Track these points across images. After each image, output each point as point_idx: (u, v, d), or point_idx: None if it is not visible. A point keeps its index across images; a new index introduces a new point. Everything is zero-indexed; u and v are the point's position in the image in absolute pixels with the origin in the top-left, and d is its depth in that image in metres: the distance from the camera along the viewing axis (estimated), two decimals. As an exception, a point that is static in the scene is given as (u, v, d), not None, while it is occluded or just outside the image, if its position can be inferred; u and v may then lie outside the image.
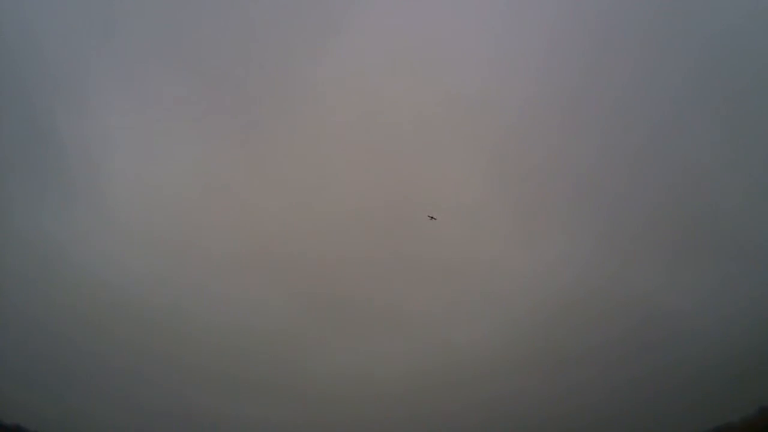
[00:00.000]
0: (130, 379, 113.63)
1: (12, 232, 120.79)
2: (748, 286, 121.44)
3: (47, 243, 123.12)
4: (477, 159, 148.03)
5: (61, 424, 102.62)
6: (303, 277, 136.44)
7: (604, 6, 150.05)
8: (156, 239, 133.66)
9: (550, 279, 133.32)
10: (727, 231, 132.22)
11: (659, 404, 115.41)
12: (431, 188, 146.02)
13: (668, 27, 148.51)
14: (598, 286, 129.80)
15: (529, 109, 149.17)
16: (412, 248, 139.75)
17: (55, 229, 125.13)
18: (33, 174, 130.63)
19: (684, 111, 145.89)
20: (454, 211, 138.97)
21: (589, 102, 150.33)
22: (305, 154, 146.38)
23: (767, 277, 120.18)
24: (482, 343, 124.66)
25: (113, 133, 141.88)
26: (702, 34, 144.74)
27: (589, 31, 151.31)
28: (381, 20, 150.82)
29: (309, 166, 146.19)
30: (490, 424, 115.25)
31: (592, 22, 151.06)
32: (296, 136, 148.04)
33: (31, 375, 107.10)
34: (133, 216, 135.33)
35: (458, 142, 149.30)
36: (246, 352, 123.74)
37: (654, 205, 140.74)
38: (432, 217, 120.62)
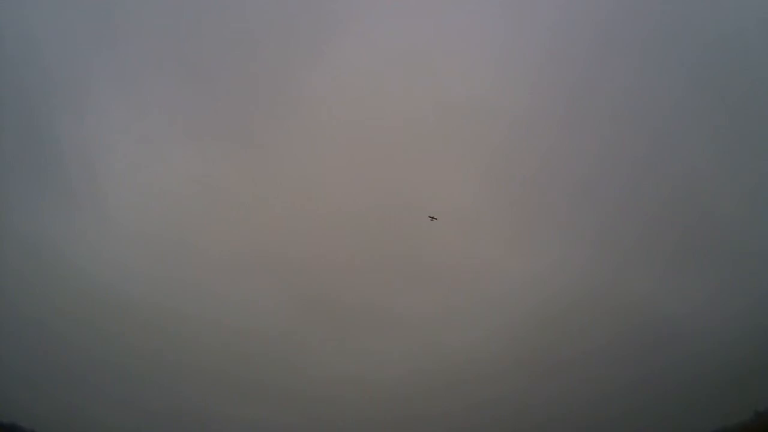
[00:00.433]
0: (127, 378, 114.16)
1: (11, 232, 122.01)
2: (744, 292, 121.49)
3: (46, 244, 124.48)
4: (472, 164, 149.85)
5: (58, 423, 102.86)
6: (299, 280, 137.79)
7: (601, 16, 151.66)
8: (153, 241, 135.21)
9: (546, 283, 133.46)
10: (723, 237, 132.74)
11: (656, 408, 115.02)
12: (427, 192, 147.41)
13: (665, 38, 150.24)
14: (594, 291, 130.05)
15: (525, 116, 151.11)
16: (408, 251, 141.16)
17: (53, 231, 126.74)
18: (32, 176, 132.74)
19: (681, 119, 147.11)
20: (449, 215, 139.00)
21: (586, 110, 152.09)
22: (301, 159, 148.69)
23: (763, 283, 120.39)
24: (477, 346, 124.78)
25: (112, 137, 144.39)
26: (699, 45, 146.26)
27: (586, 41, 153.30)
28: (376, 28, 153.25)
29: (305, 171, 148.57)
30: (485, 426, 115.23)
31: (589, 31, 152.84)
32: (292, 141, 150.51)
33: (28, 374, 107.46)
34: (130, 218, 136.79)
35: (453, 147, 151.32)
36: (242, 353, 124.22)
37: (651, 211, 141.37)
38: (433, 218, 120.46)
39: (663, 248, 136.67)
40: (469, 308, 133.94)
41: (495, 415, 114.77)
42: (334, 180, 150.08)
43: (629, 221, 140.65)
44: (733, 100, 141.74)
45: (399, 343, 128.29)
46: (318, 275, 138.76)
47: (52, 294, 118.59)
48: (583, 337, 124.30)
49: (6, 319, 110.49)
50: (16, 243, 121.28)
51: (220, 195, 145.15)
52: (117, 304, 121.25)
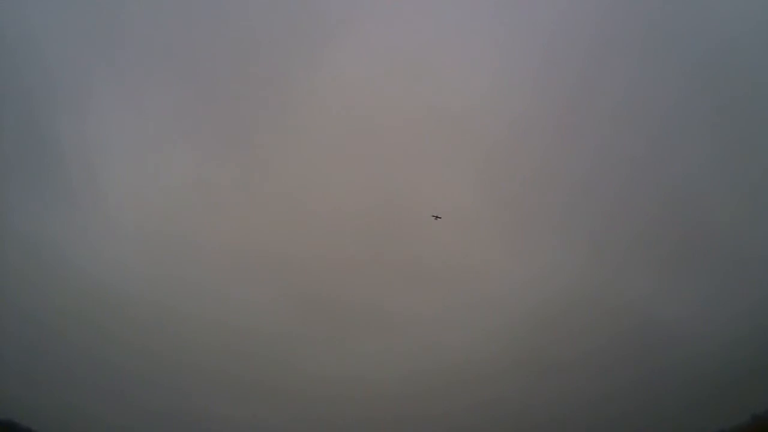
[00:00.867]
0: (124, 376, 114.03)
1: (10, 231, 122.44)
2: (740, 295, 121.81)
3: (45, 243, 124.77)
4: (470, 165, 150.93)
5: (54, 421, 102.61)
6: (298, 280, 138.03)
7: (599, 19, 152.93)
8: (152, 241, 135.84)
9: (543, 285, 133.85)
10: (720, 241, 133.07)
11: (652, 411, 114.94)
12: (425, 193, 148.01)
13: (663, 41, 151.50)
14: (592, 293, 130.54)
15: (521, 121, 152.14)
16: (406, 252, 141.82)
17: (53, 230, 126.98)
18: (32, 175, 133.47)
19: (679, 123, 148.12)
20: (446, 216, 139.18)
21: (583, 113, 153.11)
22: (299, 160, 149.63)
23: (759, 286, 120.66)
24: (475, 347, 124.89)
25: (112, 138, 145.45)
26: (698, 48, 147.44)
27: (583, 44, 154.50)
28: (374, 32, 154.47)
29: (303, 172, 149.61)
30: (483, 427, 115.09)
31: (587, 35, 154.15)
32: (290, 142, 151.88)
33: (26, 372, 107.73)
34: (129, 218, 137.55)
35: (451, 148, 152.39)
36: (240, 352, 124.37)
37: (648, 214, 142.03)
38: (436, 216, 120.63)
39: (660, 251, 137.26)
40: (466, 309, 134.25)
41: (493, 415, 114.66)
42: (332, 181, 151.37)
43: (626, 224, 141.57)
44: (731, 104, 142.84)
45: (397, 342, 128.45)
46: (316, 275, 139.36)
47: (51, 292, 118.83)
48: (580, 338, 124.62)
49: (5, 317, 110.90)
50: (15, 242, 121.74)
51: (219, 195, 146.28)
52: (116, 302, 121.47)
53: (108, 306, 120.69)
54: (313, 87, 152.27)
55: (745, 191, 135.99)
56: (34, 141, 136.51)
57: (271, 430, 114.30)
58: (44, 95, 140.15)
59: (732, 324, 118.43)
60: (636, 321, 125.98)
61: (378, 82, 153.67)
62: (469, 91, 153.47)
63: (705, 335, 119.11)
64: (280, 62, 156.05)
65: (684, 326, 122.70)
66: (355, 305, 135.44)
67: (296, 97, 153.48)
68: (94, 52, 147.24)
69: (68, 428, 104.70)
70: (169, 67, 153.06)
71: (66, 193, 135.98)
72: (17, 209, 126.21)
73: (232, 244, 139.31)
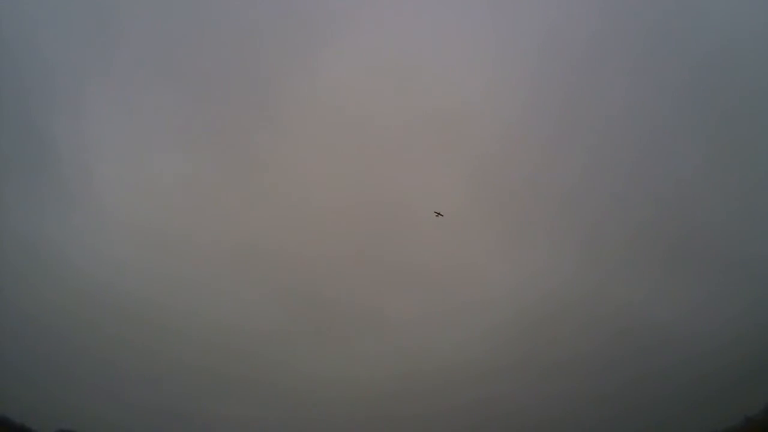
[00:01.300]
0: (117, 373, 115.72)
1: (7, 230, 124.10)
2: (732, 298, 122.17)
3: (42, 241, 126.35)
4: (462, 168, 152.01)
5: (48, 417, 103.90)
6: (291, 280, 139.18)
7: (593, 29, 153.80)
8: (146, 241, 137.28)
9: (535, 287, 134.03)
10: (711, 245, 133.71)
11: (644, 413, 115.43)
12: (416, 195, 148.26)
13: (656, 50, 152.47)
14: (582, 296, 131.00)
15: (516, 124, 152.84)
16: (398, 254, 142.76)
17: (49, 228, 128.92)
18: (29, 176, 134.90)
19: (671, 130, 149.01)
20: (437, 221, 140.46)
21: (577, 118, 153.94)
22: (290, 162, 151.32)
23: (750, 290, 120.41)
24: (465, 349, 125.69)
25: (107, 138, 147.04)
26: (690, 58, 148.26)
27: (578, 51, 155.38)
28: (367, 35, 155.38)
29: (294, 174, 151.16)
30: (473, 428, 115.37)
31: (581, 41, 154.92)
32: (281, 144, 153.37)
33: (21, 368, 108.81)
34: (124, 217, 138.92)
35: (442, 151, 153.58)
36: (233, 350, 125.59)
37: (641, 218, 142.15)
38: (438, 213, 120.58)
39: (653, 254, 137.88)
40: (457, 310, 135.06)
41: (486, 415, 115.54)
42: (325, 182, 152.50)
43: (620, 227, 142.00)
44: (723, 111, 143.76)
45: (387, 343, 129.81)
46: (310, 275, 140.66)
47: (47, 289, 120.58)
48: (570, 341, 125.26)
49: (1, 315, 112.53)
50: (11, 239, 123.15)
51: (213, 195, 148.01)
52: (110, 300, 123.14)
53: (102, 303, 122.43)
54: (306, 88, 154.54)
55: (737, 195, 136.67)
56: (31, 141, 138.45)
57: (265, 428, 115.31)
58: (41, 96, 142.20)
59: (725, 326, 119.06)
60: (629, 323, 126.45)
61: (371, 84, 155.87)
62: (464, 94, 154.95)
63: (697, 337, 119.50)
64: (272, 63, 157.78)
65: (677, 328, 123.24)
66: (349, 305, 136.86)
67: (288, 97, 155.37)
68: (90, 54, 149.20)
69: (60, 424, 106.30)
70: (164, 68, 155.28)
71: (62, 192, 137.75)
72: (14, 207, 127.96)
73: (225, 244, 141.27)
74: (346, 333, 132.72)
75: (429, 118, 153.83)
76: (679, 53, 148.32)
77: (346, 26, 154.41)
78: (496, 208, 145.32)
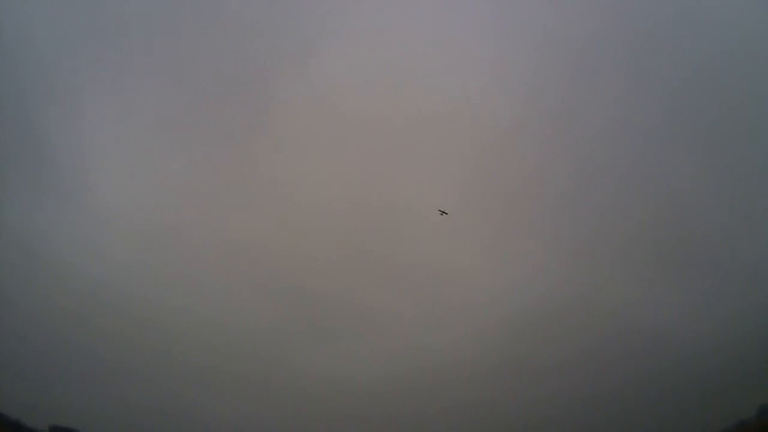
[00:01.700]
0: (112, 369, 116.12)
1: (2, 226, 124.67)
2: (725, 303, 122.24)
3: (37, 238, 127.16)
4: (456, 170, 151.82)
5: (40, 412, 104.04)
6: (283, 279, 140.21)
7: (589, 36, 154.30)
8: (140, 238, 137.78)
9: (527, 290, 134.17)
10: (703, 250, 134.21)
11: (634, 418, 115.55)
12: (409, 196, 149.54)
13: (651, 57, 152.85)
14: (575, 299, 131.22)
15: (511, 126, 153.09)
16: (391, 253, 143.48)
17: (45, 225, 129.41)
18: (25, 173, 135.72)
19: (665, 135, 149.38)
20: (430, 219, 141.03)
21: (573, 122, 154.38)
22: (284, 162, 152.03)
23: (742, 295, 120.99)
24: (456, 350, 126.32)
25: (102, 137, 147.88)
26: (684, 64, 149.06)
27: (574, 59, 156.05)
28: (362, 36, 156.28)
29: (287, 174, 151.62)
30: (462, 428, 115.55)
31: (577, 50, 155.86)
32: (275, 144, 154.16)
33: (17, 365, 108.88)
34: (119, 215, 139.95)
35: (438, 152, 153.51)
36: (226, 347, 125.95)
37: (634, 224, 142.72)
38: (443, 212, 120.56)
39: (644, 260, 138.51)
40: (449, 311, 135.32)
41: (475, 416, 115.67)
42: (318, 183, 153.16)
43: (613, 231, 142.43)
44: (720, 117, 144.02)
45: (380, 342, 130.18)
46: (302, 274, 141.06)
47: (42, 286, 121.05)
48: (561, 344, 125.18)
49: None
50: (7, 236, 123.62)
51: (206, 194, 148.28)
52: (105, 297, 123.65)
53: (97, 300, 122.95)
54: (300, 89, 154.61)
55: (730, 202, 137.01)
56: (27, 138, 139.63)
57: (256, 425, 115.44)
58: (38, 94, 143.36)
59: (717, 330, 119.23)
60: (621, 327, 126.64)
61: (366, 84, 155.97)
62: (459, 96, 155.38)
63: (689, 341, 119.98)
64: (268, 63, 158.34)
65: (668, 332, 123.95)
66: (342, 303, 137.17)
67: (283, 98, 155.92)
68: (87, 53, 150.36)
69: (54, 420, 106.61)
70: (160, 68, 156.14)
71: (58, 189, 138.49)
72: (9, 204, 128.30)
73: (219, 242, 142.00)
74: (339, 331, 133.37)
75: (424, 119, 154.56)
76: (676, 58, 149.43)
77: (343, 26, 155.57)
78: (489, 210, 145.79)
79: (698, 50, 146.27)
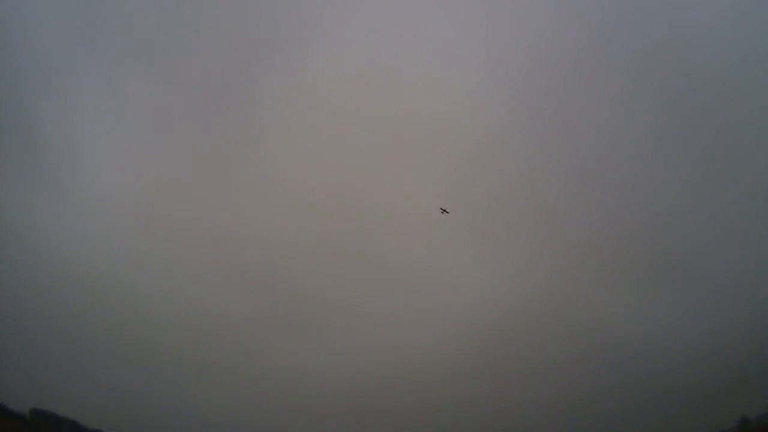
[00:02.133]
0: (97, 356, 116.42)
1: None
2: (706, 316, 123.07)
3: (26, 225, 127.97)
4: (441, 172, 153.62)
5: (26, 399, 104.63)
6: (268, 272, 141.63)
7: (582, 45, 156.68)
8: (129, 229, 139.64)
9: (507, 295, 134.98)
10: (687, 264, 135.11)
11: (612, 427, 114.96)
12: (394, 196, 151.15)
13: (644, 67, 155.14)
14: (555, 308, 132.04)
15: (499, 132, 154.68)
16: (373, 251, 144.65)
17: (37, 214, 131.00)
18: (18, 162, 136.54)
19: (655, 148, 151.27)
20: (413, 222, 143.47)
21: (561, 131, 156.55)
22: (270, 160, 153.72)
23: (724, 308, 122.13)
24: (433, 350, 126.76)
25: (93, 128, 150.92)
26: (677, 76, 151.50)
27: (565, 67, 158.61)
28: (349, 37, 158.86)
29: (274, 172, 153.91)
30: (439, 429, 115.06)
31: (569, 58, 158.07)
32: (261, 142, 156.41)
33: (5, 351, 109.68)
34: (109, 207, 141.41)
35: (423, 155, 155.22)
36: (209, 337, 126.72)
37: (621, 234, 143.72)
38: (444, 210, 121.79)
39: (627, 271, 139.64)
40: (429, 311, 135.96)
41: (448, 418, 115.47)
42: (304, 180, 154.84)
43: (596, 243, 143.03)
44: (708, 133, 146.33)
45: (359, 339, 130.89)
46: (286, 268, 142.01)
47: (29, 273, 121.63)
48: (541, 351, 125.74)
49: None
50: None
51: (195, 188, 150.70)
52: (91, 284, 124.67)
53: (82, 286, 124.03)
54: (288, 88, 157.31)
55: (714, 219, 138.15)
56: (21, 127, 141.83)
57: (231, 415, 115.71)
58: (32, 83, 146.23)
59: (697, 343, 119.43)
60: (602, 336, 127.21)
61: (354, 83, 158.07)
62: (448, 98, 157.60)
63: (671, 353, 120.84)
64: (257, 62, 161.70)
65: (650, 343, 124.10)
66: (324, 299, 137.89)
67: (271, 97, 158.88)
68: (82, 45, 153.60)
69: (36, 404, 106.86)
70: (153, 64, 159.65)
71: (50, 179, 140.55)
72: (2, 193, 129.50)
73: (207, 236, 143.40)
74: (319, 325, 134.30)
75: (412, 119, 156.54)
76: (669, 73, 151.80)
77: (333, 26, 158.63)
78: (475, 213, 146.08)
79: (691, 67, 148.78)
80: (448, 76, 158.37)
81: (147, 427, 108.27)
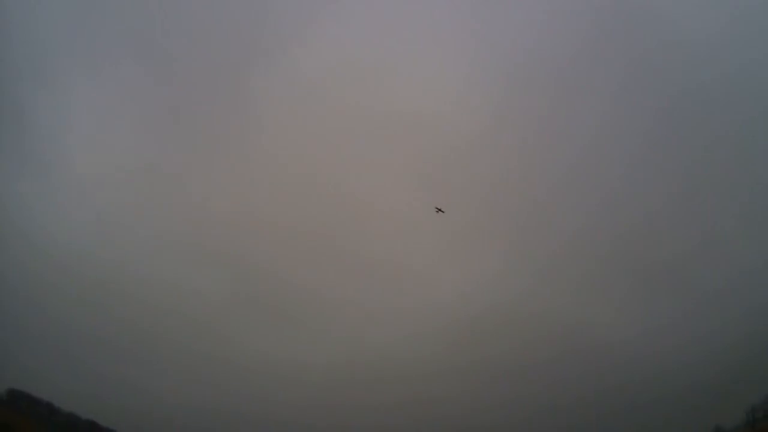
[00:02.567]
0: (75, 338, 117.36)
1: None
2: (685, 326, 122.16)
3: (10, 201, 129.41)
4: (421, 171, 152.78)
5: (3, 379, 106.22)
6: (241, 262, 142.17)
7: (575, 46, 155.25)
8: (101, 212, 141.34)
9: (486, 297, 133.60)
10: (668, 274, 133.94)
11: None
12: (369, 192, 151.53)
13: (632, 84, 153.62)
14: (533, 313, 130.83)
15: (483, 136, 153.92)
16: (354, 247, 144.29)
17: (18, 190, 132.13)
18: (5, 142, 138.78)
19: (640, 161, 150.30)
20: (397, 219, 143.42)
21: (545, 138, 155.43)
22: (250, 152, 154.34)
23: (704, 318, 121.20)
24: (400, 347, 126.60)
25: (75, 111, 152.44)
26: (665, 94, 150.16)
27: (556, 73, 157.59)
28: (333, 35, 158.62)
29: (252, 164, 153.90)
30: (395, 426, 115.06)
31: (561, 64, 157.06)
32: (242, 135, 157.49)
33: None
34: (83, 189, 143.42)
35: (403, 153, 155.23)
36: (184, 321, 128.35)
37: (601, 244, 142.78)
38: (438, 209, 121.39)
39: (612, 277, 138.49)
40: (400, 309, 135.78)
41: (418, 415, 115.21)
42: (281, 174, 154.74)
43: (577, 250, 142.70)
44: (695, 143, 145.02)
45: (333, 330, 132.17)
46: (259, 259, 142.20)
47: (9, 249, 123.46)
48: (515, 354, 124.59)
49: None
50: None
51: (170, 178, 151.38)
52: (71, 263, 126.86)
53: (62, 265, 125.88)
54: (270, 82, 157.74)
55: (701, 227, 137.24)
56: (12, 115, 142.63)
57: (197, 397, 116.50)
58: (15, 65, 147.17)
59: (676, 352, 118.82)
60: (579, 342, 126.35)
61: (341, 82, 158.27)
62: (434, 98, 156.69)
63: (649, 362, 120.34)
64: (240, 56, 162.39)
65: (628, 351, 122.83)
66: (299, 288, 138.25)
67: (252, 91, 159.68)
68: (67, 30, 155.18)
69: (14, 384, 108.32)
70: (136, 54, 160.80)
71: (35, 159, 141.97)
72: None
73: (177, 225, 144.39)
74: (292, 313, 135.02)
75: (400, 117, 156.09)
76: (658, 86, 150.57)
77: (323, 22, 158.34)
78: (460, 213, 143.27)
79: (682, 76, 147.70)
80: (436, 75, 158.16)
81: (121, 410, 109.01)
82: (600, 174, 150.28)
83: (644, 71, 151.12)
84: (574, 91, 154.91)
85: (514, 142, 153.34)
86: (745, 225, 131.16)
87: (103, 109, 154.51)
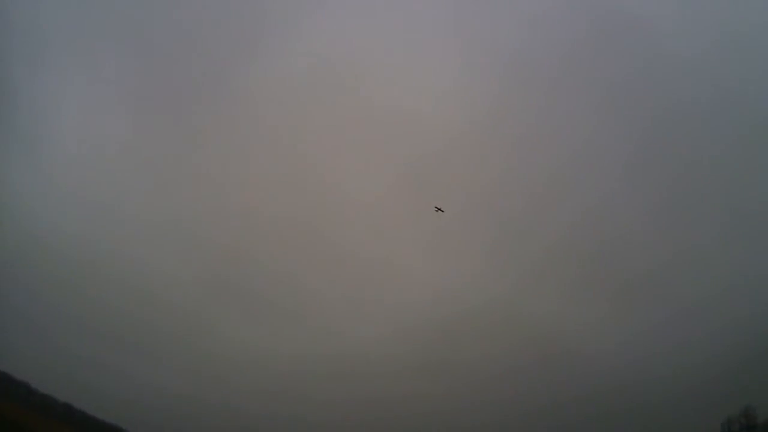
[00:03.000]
0: (54, 319, 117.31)
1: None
2: (663, 336, 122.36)
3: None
4: (400, 169, 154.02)
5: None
6: (217, 253, 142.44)
7: (563, 53, 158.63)
8: (84, 200, 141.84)
9: (463, 298, 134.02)
10: (646, 285, 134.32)
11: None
12: (346, 187, 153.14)
13: (620, 96, 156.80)
14: (509, 316, 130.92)
15: (466, 137, 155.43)
16: (333, 240, 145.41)
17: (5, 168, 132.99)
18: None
19: (622, 172, 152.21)
20: (378, 215, 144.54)
21: (530, 144, 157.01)
22: (229, 145, 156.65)
23: (681, 329, 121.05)
24: (373, 344, 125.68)
25: (63, 95, 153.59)
26: (650, 110, 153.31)
27: (539, 85, 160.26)
28: (323, 33, 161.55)
29: (231, 156, 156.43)
30: (369, 420, 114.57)
31: (549, 70, 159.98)
32: (222, 126, 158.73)
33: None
34: (67, 175, 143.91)
35: (383, 151, 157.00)
36: (157, 303, 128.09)
37: (581, 253, 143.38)
38: (438, 208, 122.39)
39: (591, 285, 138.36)
40: (375, 305, 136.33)
41: (386, 412, 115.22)
42: (259, 167, 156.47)
43: (557, 258, 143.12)
44: (676, 159, 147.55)
45: (304, 323, 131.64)
46: (236, 251, 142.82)
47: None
48: (489, 358, 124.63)
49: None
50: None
51: (151, 166, 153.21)
52: (54, 244, 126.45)
53: (45, 246, 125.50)
54: (252, 76, 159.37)
55: (680, 239, 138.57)
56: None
57: (173, 385, 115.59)
58: (5, 45, 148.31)
59: (653, 362, 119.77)
60: (555, 350, 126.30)
61: (325, 79, 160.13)
62: (420, 97, 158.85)
63: (625, 371, 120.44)
64: (224, 49, 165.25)
65: (604, 360, 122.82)
66: (269, 282, 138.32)
67: (233, 89, 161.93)
68: (58, 12, 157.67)
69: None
70: (124, 41, 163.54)
71: (17, 136, 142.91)
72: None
73: (157, 213, 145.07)
74: (269, 309, 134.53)
75: (384, 115, 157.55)
76: (642, 105, 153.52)
77: (309, 19, 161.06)
78: (428, 216, 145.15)
79: (665, 96, 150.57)
80: (422, 75, 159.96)
81: (97, 392, 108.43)
82: (582, 184, 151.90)
83: (626, 89, 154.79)
84: (559, 99, 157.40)
85: (500, 145, 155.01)
86: (724, 238, 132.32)
87: (94, 95, 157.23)
